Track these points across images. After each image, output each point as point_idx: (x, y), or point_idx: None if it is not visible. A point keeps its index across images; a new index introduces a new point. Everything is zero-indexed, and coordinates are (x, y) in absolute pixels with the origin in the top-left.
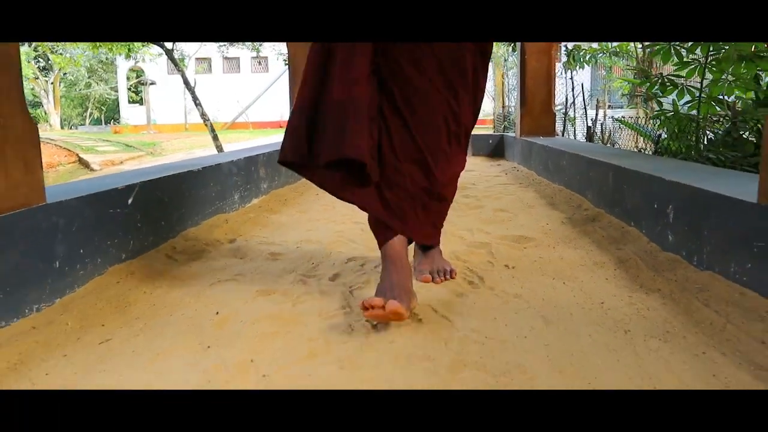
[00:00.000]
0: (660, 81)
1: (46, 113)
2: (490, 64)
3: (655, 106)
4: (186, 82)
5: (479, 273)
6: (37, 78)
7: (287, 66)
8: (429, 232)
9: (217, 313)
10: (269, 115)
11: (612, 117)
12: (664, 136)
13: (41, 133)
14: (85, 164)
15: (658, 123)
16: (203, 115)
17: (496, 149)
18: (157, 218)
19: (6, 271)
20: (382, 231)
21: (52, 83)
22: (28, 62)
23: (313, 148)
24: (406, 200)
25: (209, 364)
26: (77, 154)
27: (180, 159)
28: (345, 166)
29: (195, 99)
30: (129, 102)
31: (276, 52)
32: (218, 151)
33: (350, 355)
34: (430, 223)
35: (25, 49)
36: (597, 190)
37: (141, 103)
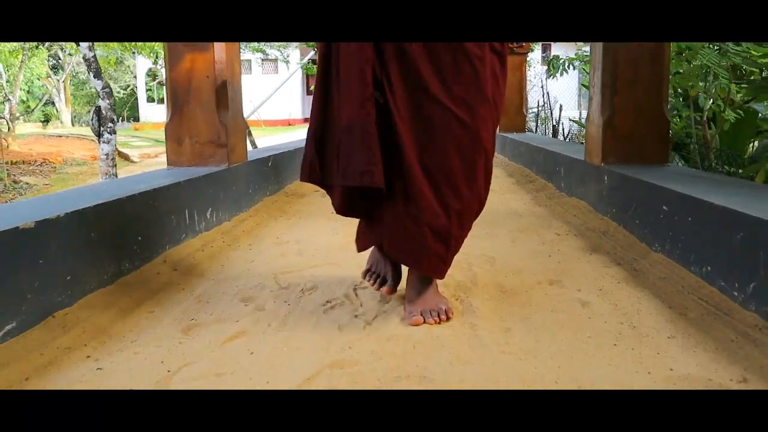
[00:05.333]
0: None
1: (58, 111)
2: None
3: None
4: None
5: None
6: (49, 77)
7: (300, 68)
8: (432, 261)
9: (332, 212)
10: (279, 114)
11: (569, 117)
12: None
13: (55, 131)
14: (125, 157)
15: None
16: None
17: None
18: (276, 175)
19: (231, 194)
20: (362, 240)
21: (63, 82)
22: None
23: (325, 170)
24: (411, 228)
25: (341, 225)
26: (116, 148)
27: None
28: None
29: None
30: (147, 101)
31: (284, 54)
32: (252, 146)
33: None
34: (435, 254)
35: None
36: (537, 165)
37: (159, 102)
